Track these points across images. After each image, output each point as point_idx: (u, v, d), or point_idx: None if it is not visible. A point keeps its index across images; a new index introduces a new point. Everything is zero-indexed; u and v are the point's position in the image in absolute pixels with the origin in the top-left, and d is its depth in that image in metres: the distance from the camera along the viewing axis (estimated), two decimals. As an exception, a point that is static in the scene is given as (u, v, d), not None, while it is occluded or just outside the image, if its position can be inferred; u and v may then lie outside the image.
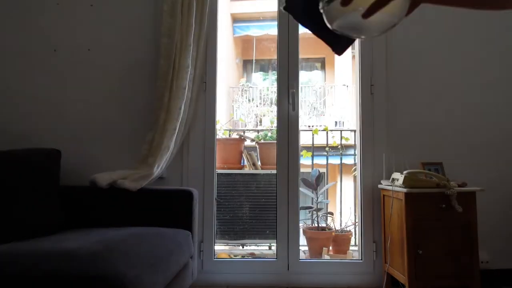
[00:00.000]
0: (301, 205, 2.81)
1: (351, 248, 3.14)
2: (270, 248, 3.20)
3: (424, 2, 0.77)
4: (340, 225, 3.48)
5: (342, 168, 3.84)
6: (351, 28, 0.68)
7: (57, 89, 2.50)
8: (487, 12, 2.57)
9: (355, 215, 3.24)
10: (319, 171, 3.38)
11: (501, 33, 2.57)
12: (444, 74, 2.55)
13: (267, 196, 3.03)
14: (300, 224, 2.79)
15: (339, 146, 3.79)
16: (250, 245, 3.22)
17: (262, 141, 3.76)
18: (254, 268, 2.51)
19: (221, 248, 3.03)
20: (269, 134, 3.91)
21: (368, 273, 2.48)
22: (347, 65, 8.05)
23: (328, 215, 3.43)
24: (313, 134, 3.82)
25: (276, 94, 2.59)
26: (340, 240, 3.14)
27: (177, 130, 2.32)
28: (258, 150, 3.61)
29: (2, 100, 2.49)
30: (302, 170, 2.98)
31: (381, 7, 0.61)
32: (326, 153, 3.82)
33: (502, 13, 2.56)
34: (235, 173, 3.25)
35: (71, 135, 2.48)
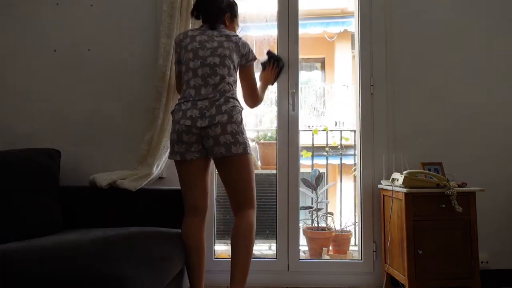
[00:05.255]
0: (301, 205, 2.81)
1: (351, 248, 3.13)
2: (270, 248, 3.20)
3: None
4: (340, 225, 3.47)
5: (342, 168, 3.83)
6: None
7: (57, 89, 2.50)
8: (490, 13, 2.57)
9: (355, 215, 3.24)
10: (319, 171, 3.38)
11: (503, 34, 2.57)
12: (444, 74, 2.55)
13: (267, 196, 3.03)
14: (300, 224, 2.79)
15: (339, 146, 3.79)
16: (250, 245, 3.21)
17: (262, 141, 3.76)
18: (254, 268, 2.50)
19: (221, 248, 3.02)
20: (269, 134, 3.91)
21: (368, 273, 2.47)
22: (347, 65, 8.04)
23: (328, 215, 3.43)
24: (313, 134, 3.81)
25: (276, 94, 2.59)
26: (340, 240, 3.14)
27: (177, 130, 2.32)
28: (258, 150, 3.61)
29: (2, 100, 2.50)
30: (302, 170, 2.98)
31: None
32: (326, 153, 3.82)
33: (505, 15, 2.57)
34: (235, 173, 3.24)
35: (71, 135, 2.48)
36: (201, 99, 1.84)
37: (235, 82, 1.96)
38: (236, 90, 1.96)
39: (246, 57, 1.99)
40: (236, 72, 1.97)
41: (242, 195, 1.88)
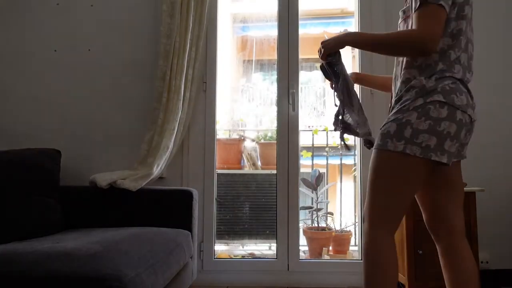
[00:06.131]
0: (301, 205, 2.81)
1: (351, 248, 3.13)
2: (270, 248, 3.20)
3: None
4: (340, 225, 3.47)
5: (342, 168, 3.83)
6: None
7: (57, 89, 2.50)
8: (490, 13, 2.57)
9: (355, 215, 3.24)
10: (319, 171, 3.38)
11: (503, 34, 2.57)
12: (444, 74, 2.55)
13: (267, 196, 3.03)
14: (300, 224, 2.79)
15: (339, 146, 3.78)
16: (250, 245, 3.22)
17: (262, 141, 3.76)
18: (254, 268, 2.51)
19: (221, 248, 3.02)
20: (269, 134, 3.91)
21: (368, 273, 2.47)
22: (347, 65, 8.05)
23: (328, 215, 3.43)
24: (313, 134, 3.81)
25: (276, 94, 2.59)
26: (340, 240, 3.14)
27: (175, 130, 2.32)
28: (258, 150, 3.61)
29: (2, 100, 2.50)
30: (302, 170, 2.98)
31: None
32: (326, 153, 3.82)
33: (506, 15, 2.57)
34: (235, 173, 3.24)
35: (71, 135, 2.48)
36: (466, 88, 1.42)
37: None
38: None
39: None
40: None
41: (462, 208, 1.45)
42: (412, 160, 1.27)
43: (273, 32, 2.66)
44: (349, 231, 3.24)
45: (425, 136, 1.25)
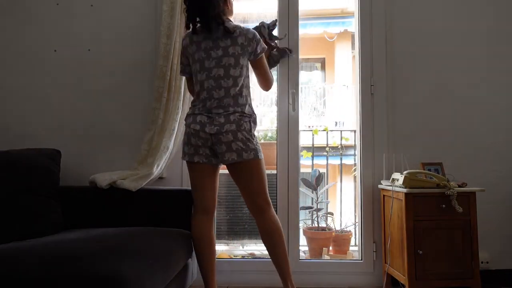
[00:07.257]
0: (301, 205, 2.80)
1: (351, 248, 3.13)
2: (270, 248, 3.19)
3: None
4: (340, 225, 3.47)
5: (342, 168, 3.83)
6: None
7: (57, 89, 2.50)
8: (490, 13, 2.57)
9: (355, 215, 3.24)
10: (319, 171, 3.38)
11: (503, 34, 2.57)
12: (444, 74, 2.55)
13: (267, 196, 3.02)
14: (300, 224, 2.79)
15: (339, 146, 3.79)
16: (250, 245, 3.22)
17: (262, 141, 3.76)
18: (254, 268, 2.51)
19: (221, 248, 3.02)
20: (269, 134, 3.91)
21: (368, 273, 2.47)
22: (347, 65, 8.03)
23: (328, 215, 3.43)
24: (313, 134, 3.81)
25: (276, 94, 2.59)
26: (340, 240, 3.14)
27: (176, 130, 2.32)
28: (258, 150, 3.61)
29: (2, 100, 2.50)
30: (302, 170, 2.98)
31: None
32: (326, 153, 3.82)
33: (505, 15, 2.57)
34: (235, 173, 3.23)
35: (71, 135, 2.48)
36: (209, 112, 1.88)
37: (244, 86, 1.93)
38: (245, 94, 1.94)
39: (254, 53, 1.94)
40: (246, 71, 1.96)
41: (259, 197, 1.95)
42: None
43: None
44: (349, 231, 3.24)
45: (183, 146, 1.97)
